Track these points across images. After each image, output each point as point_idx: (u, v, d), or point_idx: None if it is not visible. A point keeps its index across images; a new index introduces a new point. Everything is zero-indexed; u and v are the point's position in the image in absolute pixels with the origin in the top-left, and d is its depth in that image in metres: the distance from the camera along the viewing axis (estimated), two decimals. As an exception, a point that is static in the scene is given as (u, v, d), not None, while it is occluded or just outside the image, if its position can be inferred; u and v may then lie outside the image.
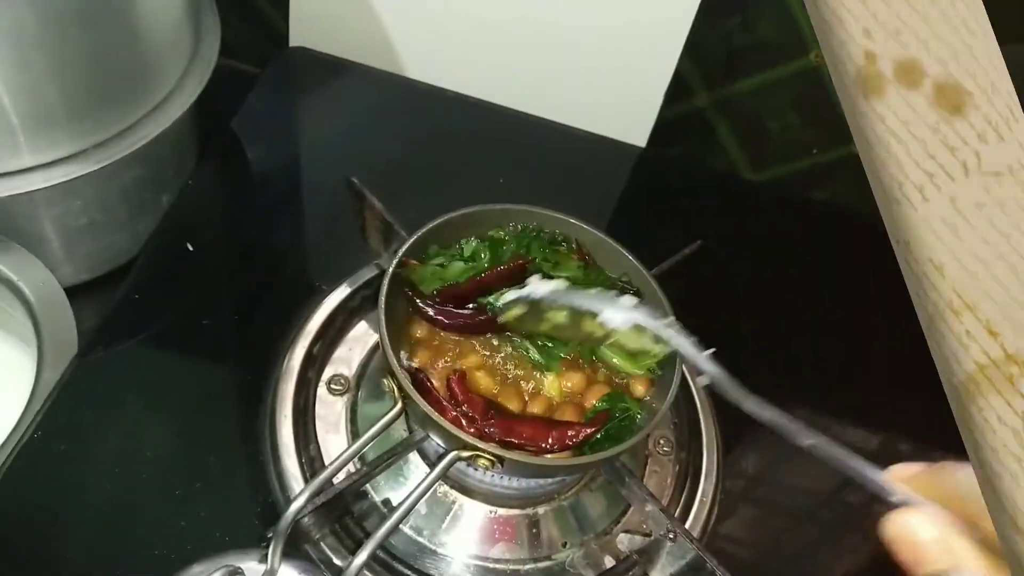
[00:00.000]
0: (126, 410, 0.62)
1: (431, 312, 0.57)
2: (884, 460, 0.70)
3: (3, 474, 0.57)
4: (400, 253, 0.57)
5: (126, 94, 0.73)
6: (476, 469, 0.54)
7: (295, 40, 0.90)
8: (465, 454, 0.50)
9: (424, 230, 0.58)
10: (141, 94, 0.75)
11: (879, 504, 0.67)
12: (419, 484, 0.50)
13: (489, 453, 0.50)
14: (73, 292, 0.76)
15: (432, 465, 0.53)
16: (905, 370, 0.77)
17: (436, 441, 0.55)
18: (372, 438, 0.52)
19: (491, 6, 0.86)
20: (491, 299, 0.56)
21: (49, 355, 0.66)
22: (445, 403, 0.53)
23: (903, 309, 0.87)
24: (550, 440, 0.53)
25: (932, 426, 0.73)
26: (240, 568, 0.46)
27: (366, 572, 0.56)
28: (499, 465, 0.51)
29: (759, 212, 0.91)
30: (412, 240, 0.57)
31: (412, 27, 0.89)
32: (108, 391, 0.62)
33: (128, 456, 0.59)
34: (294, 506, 0.48)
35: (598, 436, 0.55)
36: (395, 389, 0.52)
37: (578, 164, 0.88)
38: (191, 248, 0.71)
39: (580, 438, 0.53)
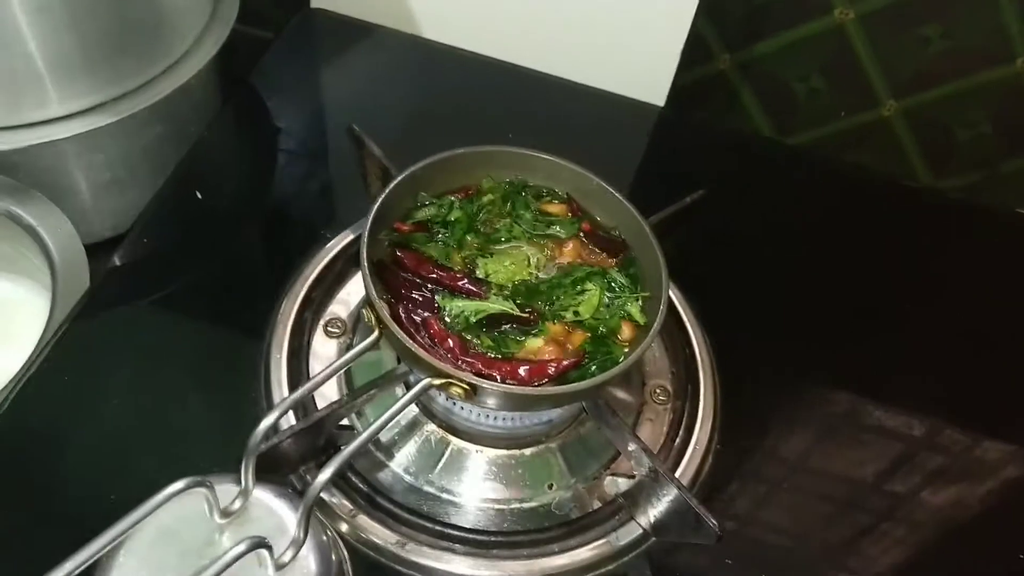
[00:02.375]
0: (130, 347, 0.64)
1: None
2: (886, 413, 0.69)
3: (12, 401, 0.59)
4: (384, 192, 0.57)
5: (144, 48, 0.76)
6: (453, 399, 0.54)
7: (316, 2, 0.92)
8: (437, 382, 0.51)
9: (407, 173, 0.59)
10: (159, 49, 0.77)
11: (892, 472, 0.66)
12: (390, 408, 0.51)
13: (462, 380, 0.50)
14: (97, 248, 0.79)
15: (448, 426, 0.53)
16: (936, 349, 0.75)
17: (414, 371, 0.55)
18: (348, 361, 0.53)
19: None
20: (441, 300, 0.56)
21: (63, 299, 0.69)
22: (421, 337, 0.53)
23: (934, 277, 0.83)
24: (528, 374, 0.53)
25: (937, 382, 0.71)
26: (209, 481, 0.47)
27: (363, 516, 0.57)
28: (473, 394, 0.51)
29: (782, 174, 0.89)
30: (394, 183, 0.58)
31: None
32: (113, 332, 0.64)
33: (129, 389, 0.61)
34: (264, 423, 0.49)
35: (580, 373, 0.54)
36: (373, 319, 0.53)
37: (592, 122, 0.87)
38: (200, 196, 0.72)
39: (559, 369, 0.53)
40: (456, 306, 0.55)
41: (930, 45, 0.87)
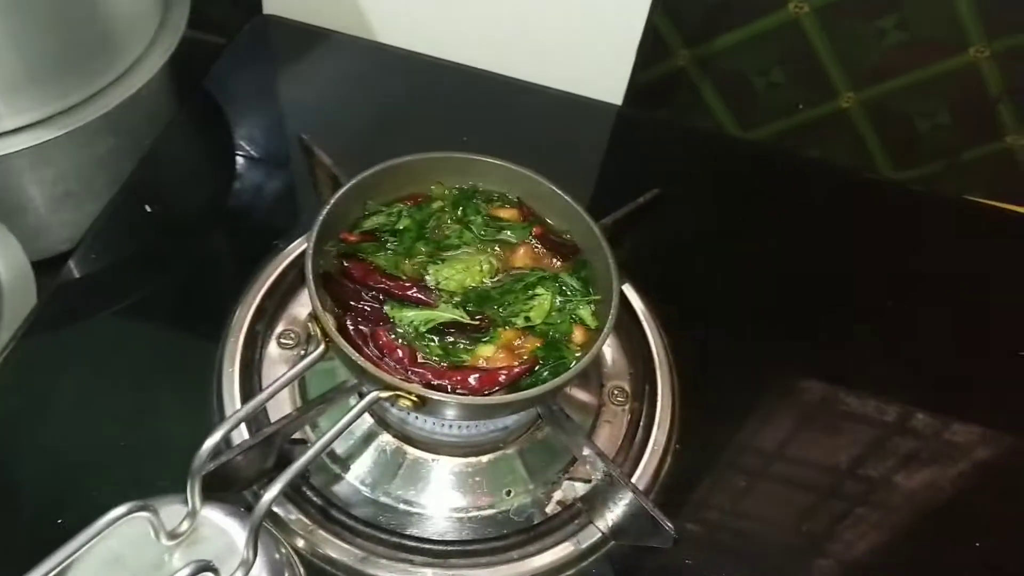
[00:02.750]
0: (79, 367, 0.63)
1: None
2: (860, 400, 0.69)
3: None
4: (331, 202, 0.57)
5: (92, 58, 0.75)
6: (403, 411, 0.54)
7: (269, 8, 0.91)
8: (385, 394, 0.50)
9: (354, 181, 0.58)
10: (107, 59, 0.76)
11: (843, 468, 0.66)
12: (339, 420, 0.50)
13: (410, 393, 0.50)
14: (55, 262, 0.78)
15: (403, 436, 0.52)
16: (895, 331, 0.76)
17: (363, 384, 0.54)
18: (296, 375, 0.52)
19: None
20: (390, 311, 0.55)
21: (9, 317, 0.67)
22: (369, 350, 0.53)
23: (880, 257, 0.84)
24: (479, 382, 0.52)
25: (908, 373, 0.72)
26: (152, 505, 0.46)
27: (320, 531, 0.56)
28: (422, 405, 0.51)
29: (741, 169, 0.89)
30: (341, 192, 0.57)
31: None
32: (62, 349, 0.63)
33: (79, 408, 0.60)
34: (208, 442, 0.48)
35: (532, 379, 0.54)
36: (319, 332, 0.52)
37: (550, 123, 0.86)
38: (149, 209, 0.71)
39: (510, 376, 0.53)
40: (406, 316, 0.54)
41: (886, 37, 0.87)
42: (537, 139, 0.84)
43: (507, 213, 0.62)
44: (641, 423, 0.64)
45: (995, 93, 0.89)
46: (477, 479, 0.60)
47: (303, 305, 0.67)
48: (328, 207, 0.56)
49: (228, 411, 0.60)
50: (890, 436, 0.69)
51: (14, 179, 0.76)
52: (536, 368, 0.54)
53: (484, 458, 0.60)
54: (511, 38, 0.88)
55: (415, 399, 0.50)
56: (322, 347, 0.52)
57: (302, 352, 0.65)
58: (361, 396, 0.59)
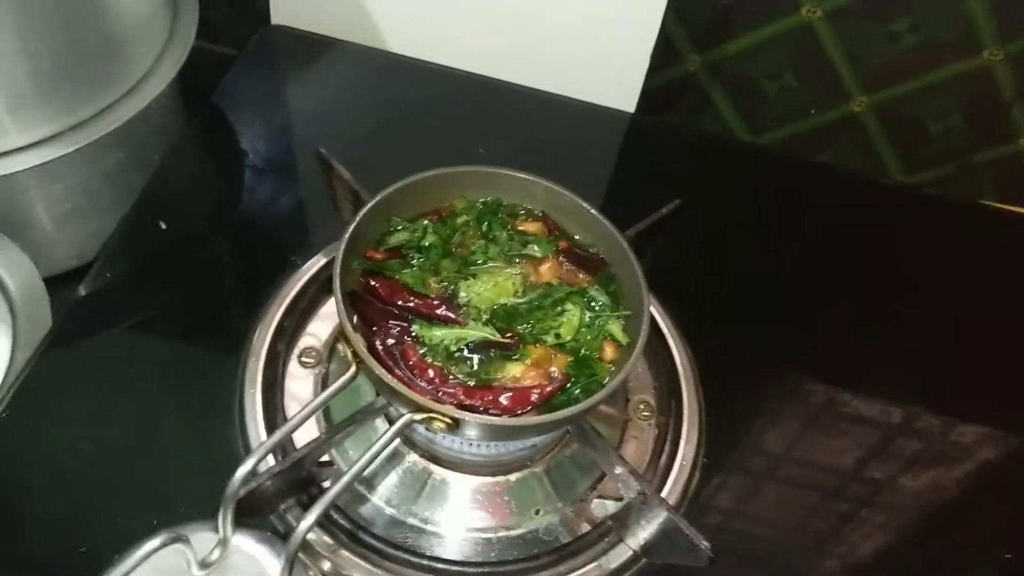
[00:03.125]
0: (96, 388, 0.62)
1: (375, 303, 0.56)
2: (879, 412, 0.69)
3: (-24, 450, 0.57)
4: (356, 220, 0.56)
5: (99, 75, 0.73)
6: (435, 433, 0.53)
7: (276, 18, 0.90)
8: (419, 417, 0.49)
9: (378, 198, 0.57)
10: (115, 75, 0.75)
11: (870, 472, 0.66)
12: (372, 445, 0.49)
13: (444, 415, 0.49)
14: (64, 278, 0.77)
15: (430, 455, 0.52)
16: (910, 336, 0.75)
17: (394, 405, 0.53)
18: (326, 400, 0.51)
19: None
20: (419, 330, 0.54)
21: (24, 339, 0.66)
22: (400, 370, 0.52)
23: (909, 272, 0.84)
24: (511, 401, 0.52)
25: (928, 380, 0.71)
26: (185, 535, 0.45)
27: (345, 552, 0.56)
28: (456, 427, 0.50)
29: (754, 175, 0.88)
30: (365, 209, 0.56)
31: (392, 1, 0.88)
32: (79, 370, 0.62)
33: (97, 432, 0.59)
34: (241, 470, 0.47)
35: (564, 398, 0.53)
36: (349, 353, 0.51)
37: (564, 132, 0.86)
38: (164, 226, 0.70)
39: (542, 396, 0.52)
40: (435, 335, 0.53)
41: (898, 40, 0.87)
42: (552, 148, 0.83)
43: (531, 227, 0.62)
44: (668, 437, 0.63)
45: (1009, 96, 0.89)
46: (505, 498, 0.59)
47: (323, 323, 0.66)
48: (354, 224, 0.56)
49: (251, 432, 0.59)
50: (900, 437, 0.69)
51: (21, 196, 0.75)
52: (568, 386, 0.53)
53: (512, 477, 0.60)
54: (524, 46, 0.87)
55: (449, 421, 0.49)
56: (352, 369, 0.51)
57: (323, 370, 0.64)
58: (388, 417, 0.59)
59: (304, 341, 0.65)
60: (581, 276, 0.60)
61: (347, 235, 0.55)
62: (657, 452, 0.63)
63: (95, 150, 0.74)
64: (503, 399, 0.52)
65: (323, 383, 0.63)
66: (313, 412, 0.51)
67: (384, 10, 0.88)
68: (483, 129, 0.83)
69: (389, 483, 0.59)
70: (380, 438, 0.50)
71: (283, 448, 0.58)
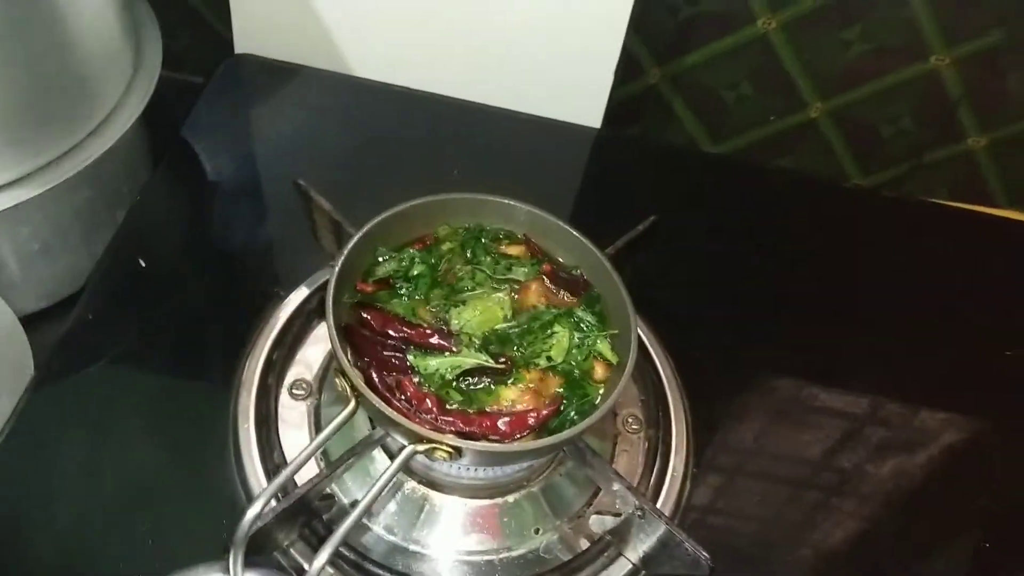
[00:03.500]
0: (86, 431, 0.61)
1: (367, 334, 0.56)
2: (861, 417, 0.71)
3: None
4: (343, 254, 0.56)
5: (66, 114, 0.72)
6: (436, 461, 0.54)
7: (240, 47, 0.89)
8: (422, 447, 0.50)
9: (364, 231, 0.58)
10: (82, 113, 0.74)
11: (859, 468, 0.68)
12: (376, 481, 0.50)
13: (446, 444, 0.50)
14: (34, 319, 0.76)
15: (427, 481, 0.52)
16: (876, 331, 0.78)
17: (394, 437, 0.54)
18: (328, 437, 0.52)
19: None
20: (414, 360, 0.55)
21: (6, 383, 0.65)
22: (398, 401, 0.52)
23: (871, 271, 0.88)
24: (509, 426, 0.53)
25: (907, 382, 0.74)
26: (199, 580, 0.46)
27: (341, 578, 0.56)
28: (458, 456, 0.51)
29: (720, 184, 0.90)
30: (352, 242, 0.57)
31: (355, 26, 0.88)
32: (67, 414, 0.62)
33: (90, 476, 0.59)
34: (250, 513, 0.47)
35: (560, 420, 0.54)
36: (347, 388, 0.52)
37: (533, 150, 0.87)
38: (143, 264, 0.70)
39: (539, 419, 0.53)
40: (430, 364, 0.54)
41: (851, 47, 0.90)
42: (523, 167, 0.84)
43: (514, 250, 0.63)
44: (659, 450, 0.65)
45: (955, 98, 0.92)
46: (504, 519, 0.60)
47: (312, 354, 0.67)
48: (343, 258, 0.56)
49: (248, 469, 0.59)
50: (868, 426, 0.72)
51: (-11, 240, 0.74)
52: (562, 408, 0.55)
53: (510, 498, 0.61)
54: (490, 67, 0.88)
55: (451, 450, 0.50)
56: (352, 404, 0.52)
57: (315, 402, 0.64)
58: (386, 448, 0.59)
59: (294, 373, 0.66)
60: (566, 298, 0.61)
61: (336, 270, 0.56)
62: (649, 464, 0.64)
63: (64, 189, 0.73)
64: (501, 424, 0.53)
65: (316, 414, 0.64)
66: (316, 450, 0.52)
67: (349, 35, 0.89)
68: (455, 151, 0.84)
69: (389, 511, 0.60)
70: (384, 472, 0.50)
71: (283, 485, 0.58)
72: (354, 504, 0.58)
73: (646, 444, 0.66)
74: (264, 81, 0.87)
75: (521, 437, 0.53)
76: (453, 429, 0.52)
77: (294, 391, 0.65)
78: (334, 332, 0.52)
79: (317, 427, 0.63)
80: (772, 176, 0.96)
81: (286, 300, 0.68)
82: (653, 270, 0.78)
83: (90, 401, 0.63)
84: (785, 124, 0.98)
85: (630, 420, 0.67)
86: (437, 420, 0.52)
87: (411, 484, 0.60)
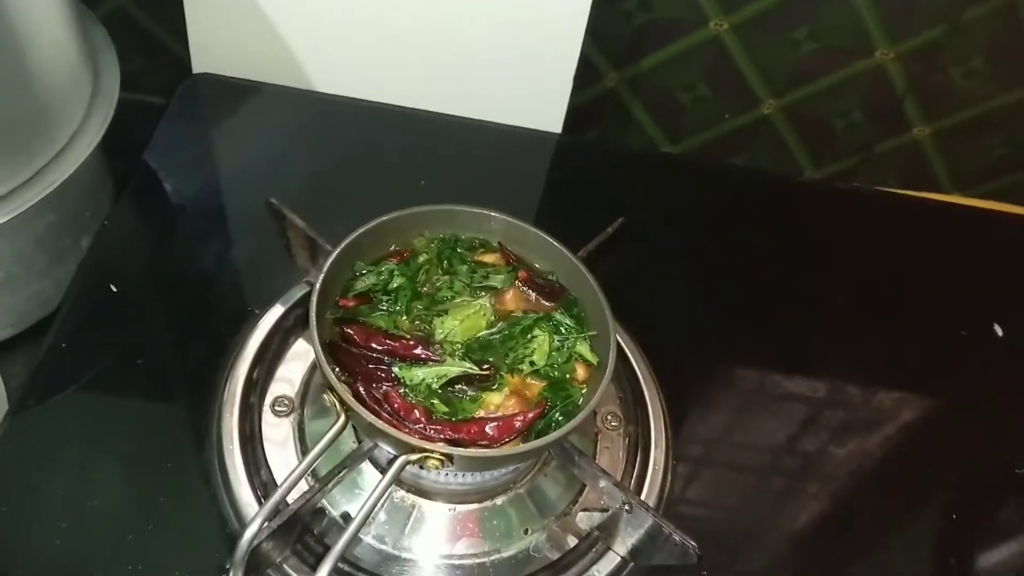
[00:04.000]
0: (67, 462, 0.61)
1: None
2: (826, 401, 0.74)
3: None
4: (323, 271, 0.57)
5: (27, 142, 0.71)
6: (428, 471, 0.54)
7: (198, 67, 0.89)
8: (414, 457, 0.51)
9: (341, 247, 0.58)
10: (43, 140, 0.73)
11: (825, 450, 0.71)
12: (371, 492, 0.50)
13: (438, 453, 0.51)
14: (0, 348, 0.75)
15: (384, 472, 0.53)
16: (840, 320, 0.81)
17: (385, 448, 0.55)
18: (319, 454, 0.52)
19: (391, 11, 0.86)
20: (399, 371, 0.56)
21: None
22: (385, 413, 0.53)
23: (827, 259, 0.91)
24: (496, 431, 0.54)
25: (875, 369, 0.77)
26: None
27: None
28: (449, 463, 0.51)
29: (680, 183, 0.93)
30: (331, 259, 0.58)
31: (314, 41, 0.88)
32: (46, 445, 0.61)
33: (74, 507, 0.58)
34: (248, 533, 0.47)
35: (545, 421, 0.55)
36: (336, 403, 0.52)
37: (497, 157, 0.88)
38: (115, 289, 0.69)
39: (525, 423, 0.54)
40: (416, 375, 0.55)
41: (800, 47, 0.93)
42: (488, 174, 0.85)
43: (489, 258, 0.64)
44: (639, 445, 0.67)
45: (901, 90, 0.96)
46: (494, 522, 0.61)
47: (291, 370, 0.67)
48: (323, 275, 0.56)
49: (235, 488, 0.59)
50: (842, 414, 0.74)
51: (-50, 273, 0.72)
52: (547, 410, 0.56)
53: (498, 500, 0.62)
54: (451, 77, 0.89)
55: (442, 457, 0.51)
56: (342, 419, 0.52)
57: (297, 417, 0.65)
58: (373, 459, 0.60)
59: (275, 390, 0.66)
60: (543, 303, 0.62)
61: (317, 287, 0.56)
62: (631, 459, 0.66)
63: (26, 217, 0.72)
64: (489, 430, 0.54)
65: (299, 430, 0.64)
66: (308, 468, 0.52)
67: (308, 51, 0.89)
68: (421, 162, 0.85)
69: (379, 520, 0.60)
70: (378, 485, 0.51)
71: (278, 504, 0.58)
72: (345, 517, 0.59)
73: (626, 440, 0.67)
74: (224, 100, 0.87)
75: (509, 441, 0.54)
76: (442, 437, 0.53)
77: (276, 408, 0.65)
78: (319, 349, 0.53)
79: (302, 443, 0.63)
80: (730, 173, 0.99)
81: (262, 318, 0.69)
82: (621, 270, 0.80)
83: (69, 430, 0.62)
84: (740, 122, 1.00)
85: (609, 417, 0.68)
86: (426, 429, 0.53)
87: (400, 493, 0.61)
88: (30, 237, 0.76)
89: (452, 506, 0.61)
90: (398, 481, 0.61)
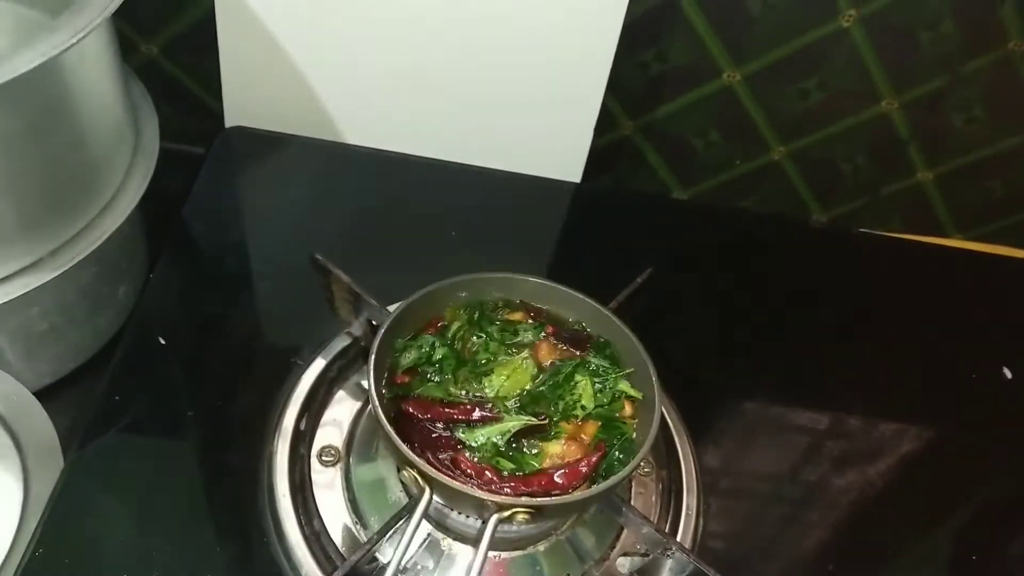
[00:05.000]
0: (123, 513, 0.62)
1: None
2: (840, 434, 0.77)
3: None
4: (373, 352, 0.59)
5: (77, 199, 0.74)
6: (517, 525, 0.56)
7: (231, 120, 0.92)
8: (505, 514, 0.53)
9: (385, 327, 0.61)
10: (91, 197, 0.76)
11: (840, 473, 0.74)
12: (475, 555, 0.54)
13: (526, 507, 0.53)
14: (40, 395, 0.76)
15: (442, 526, 0.55)
16: (860, 357, 0.84)
17: (467, 510, 0.57)
18: (417, 525, 0.55)
19: (419, 65, 0.89)
20: (463, 435, 0.58)
21: (34, 468, 0.66)
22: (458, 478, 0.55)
23: (844, 297, 0.94)
24: (565, 479, 0.56)
25: (887, 411, 0.80)
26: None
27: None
28: (540, 515, 0.54)
29: (694, 227, 0.96)
30: (378, 339, 0.60)
31: (344, 93, 0.91)
32: (101, 497, 0.63)
33: (133, 559, 0.60)
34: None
35: (607, 463, 0.58)
36: (418, 477, 0.54)
37: (522, 207, 0.91)
38: (163, 342, 0.72)
39: (590, 466, 0.56)
40: (479, 436, 0.57)
41: (809, 96, 0.97)
42: (514, 223, 0.88)
43: (516, 315, 0.66)
44: (671, 489, 0.69)
45: (904, 136, 1.00)
46: (537, 568, 0.63)
47: (336, 419, 0.69)
48: (373, 356, 0.59)
49: (290, 538, 0.61)
50: (844, 444, 0.77)
51: (-1, 326, 0.74)
52: (607, 451, 0.58)
53: (540, 547, 0.64)
54: (477, 129, 0.92)
55: (531, 511, 0.53)
56: (427, 494, 0.55)
57: (344, 466, 0.67)
58: (427, 515, 0.62)
59: (321, 439, 0.68)
60: (574, 351, 0.65)
61: (371, 368, 0.58)
62: (665, 504, 0.68)
63: (73, 270, 0.75)
64: (558, 478, 0.56)
65: (346, 478, 0.66)
66: (412, 535, 0.54)
67: (336, 103, 0.92)
68: (451, 212, 0.87)
69: (427, 568, 0.62)
70: (481, 546, 0.54)
71: (324, 551, 0.61)
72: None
73: (659, 486, 0.70)
74: (257, 153, 0.90)
75: (579, 486, 0.56)
76: (516, 493, 0.55)
77: (323, 458, 0.67)
78: (390, 430, 0.54)
79: (349, 490, 0.65)
80: (741, 216, 1.02)
81: (306, 369, 0.71)
82: (645, 316, 0.83)
83: (122, 483, 0.64)
84: (750, 167, 1.04)
85: (642, 464, 0.70)
86: (500, 488, 0.55)
87: (447, 541, 0.63)
88: (74, 289, 0.78)
89: (496, 554, 0.63)
90: (445, 530, 0.63)
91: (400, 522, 0.58)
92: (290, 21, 0.86)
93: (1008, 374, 0.84)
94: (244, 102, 0.91)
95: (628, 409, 0.61)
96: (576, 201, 0.96)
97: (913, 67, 0.94)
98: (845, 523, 0.71)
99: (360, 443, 0.68)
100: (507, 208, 0.90)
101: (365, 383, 0.67)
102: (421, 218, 0.86)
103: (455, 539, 0.63)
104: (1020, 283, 0.96)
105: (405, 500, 0.64)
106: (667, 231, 0.95)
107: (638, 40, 0.91)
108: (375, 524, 0.63)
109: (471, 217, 0.87)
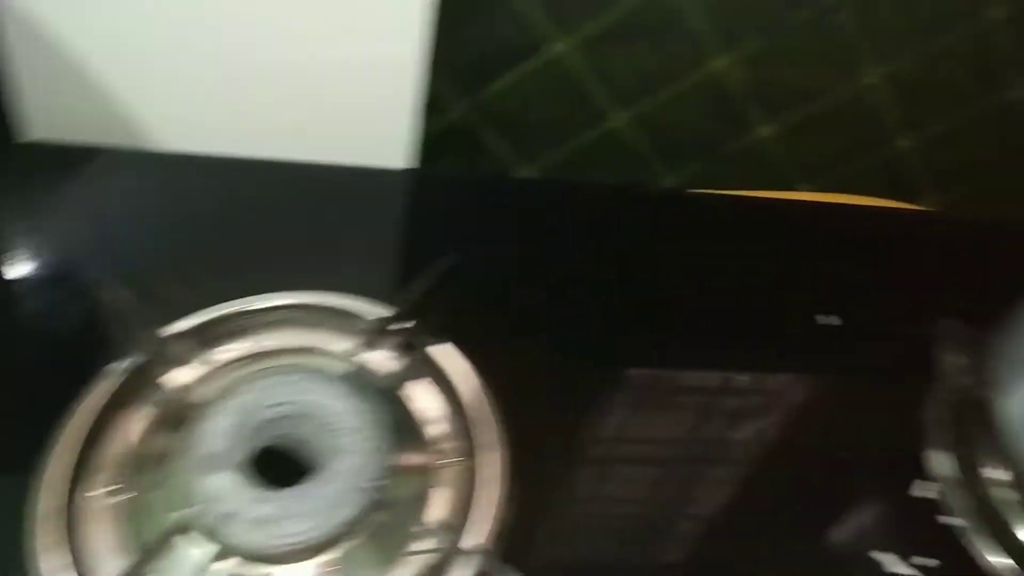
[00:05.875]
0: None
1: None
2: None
3: None
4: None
5: None
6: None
7: (23, 136, 0.87)
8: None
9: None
10: None
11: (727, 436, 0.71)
12: None
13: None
14: None
15: None
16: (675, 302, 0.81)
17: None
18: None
19: (224, 60, 0.85)
20: None
21: None
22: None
23: (677, 265, 0.88)
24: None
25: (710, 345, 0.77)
26: None
27: None
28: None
29: (534, 206, 0.93)
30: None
31: (147, 97, 0.87)
32: None
33: None
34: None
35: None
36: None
37: (349, 198, 0.87)
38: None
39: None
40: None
41: (643, 58, 0.95)
42: (338, 219, 0.84)
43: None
44: (475, 479, 0.66)
45: (740, 93, 0.99)
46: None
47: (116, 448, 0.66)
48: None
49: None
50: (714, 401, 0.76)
51: None
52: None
53: (338, 553, 0.61)
54: (294, 122, 0.89)
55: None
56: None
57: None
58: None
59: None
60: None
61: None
62: (464, 496, 0.65)
63: None
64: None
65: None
66: None
67: (139, 108, 0.88)
68: (267, 212, 0.83)
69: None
70: None
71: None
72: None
73: (466, 475, 0.66)
74: (55, 169, 0.85)
75: None
76: None
77: (102, 489, 0.63)
78: None
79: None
80: (587, 190, 1.00)
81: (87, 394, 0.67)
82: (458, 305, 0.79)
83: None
84: (590, 136, 1.02)
85: (445, 452, 0.67)
86: None
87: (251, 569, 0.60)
88: None
89: (294, 567, 0.60)
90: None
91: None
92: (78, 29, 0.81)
93: (832, 321, 0.82)
94: (37, 114, 0.86)
95: None
96: (405, 189, 0.92)
97: (742, 26, 0.92)
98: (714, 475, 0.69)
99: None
100: (330, 202, 0.86)
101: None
102: (237, 222, 0.82)
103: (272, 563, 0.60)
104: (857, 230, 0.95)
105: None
106: (505, 215, 0.92)
107: (456, 18, 0.87)
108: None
109: (292, 215, 0.83)
